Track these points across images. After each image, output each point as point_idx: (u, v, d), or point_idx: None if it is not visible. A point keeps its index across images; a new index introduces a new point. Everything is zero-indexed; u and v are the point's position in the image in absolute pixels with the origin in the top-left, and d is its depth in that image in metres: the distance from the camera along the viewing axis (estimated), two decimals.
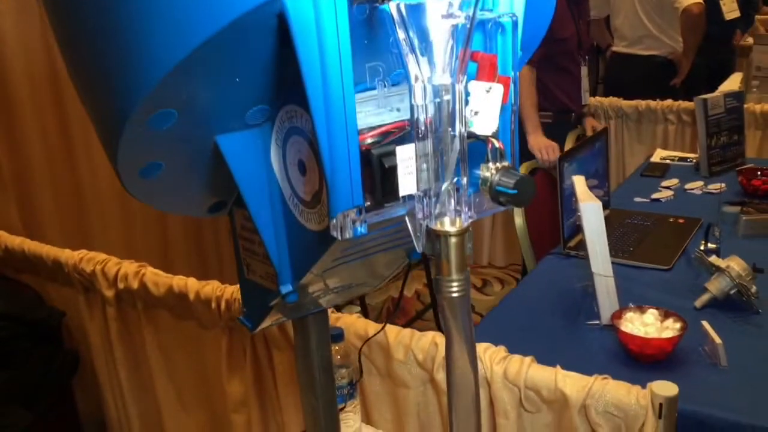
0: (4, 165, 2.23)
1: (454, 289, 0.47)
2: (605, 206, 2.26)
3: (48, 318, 1.86)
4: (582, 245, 2.09)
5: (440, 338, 1.31)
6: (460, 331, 0.51)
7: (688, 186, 2.59)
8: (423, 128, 0.46)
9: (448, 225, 0.46)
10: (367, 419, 1.42)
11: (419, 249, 0.48)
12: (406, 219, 0.47)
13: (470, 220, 0.47)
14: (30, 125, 2.32)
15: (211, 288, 1.59)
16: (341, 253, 0.52)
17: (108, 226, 2.60)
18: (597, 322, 1.65)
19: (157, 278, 1.67)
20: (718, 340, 1.45)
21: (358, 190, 0.44)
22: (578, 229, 2.14)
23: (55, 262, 1.84)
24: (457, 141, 0.46)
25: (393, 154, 0.45)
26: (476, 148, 0.48)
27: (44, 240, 1.95)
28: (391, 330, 1.36)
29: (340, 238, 0.45)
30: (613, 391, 1.13)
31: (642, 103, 3.38)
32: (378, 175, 0.45)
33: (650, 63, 3.73)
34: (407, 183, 0.46)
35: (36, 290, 1.94)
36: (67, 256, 1.82)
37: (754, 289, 1.66)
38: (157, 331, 1.73)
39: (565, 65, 2.75)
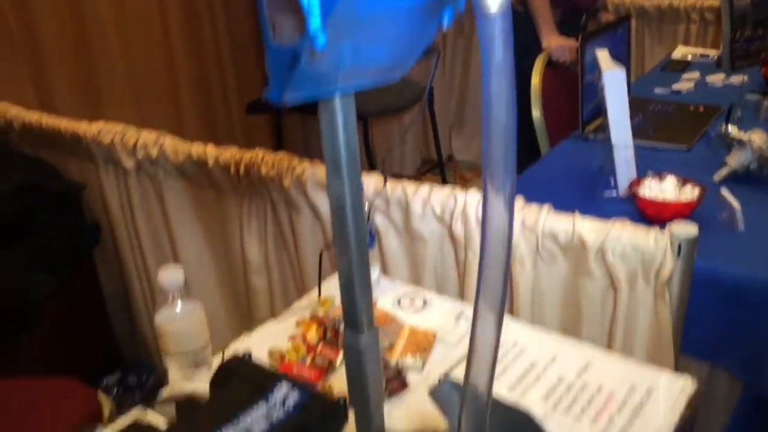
0: (18, 41, 2.21)
1: None
2: None
3: (68, 190, 1.88)
4: (601, 129, 2.07)
5: (458, 191, 1.32)
6: (499, 59, 0.50)
7: (709, 79, 2.55)
8: None
9: None
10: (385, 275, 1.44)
11: None
12: None
13: None
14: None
15: (230, 154, 1.60)
16: None
17: (120, 103, 2.60)
18: (614, 194, 1.66)
19: (176, 146, 1.67)
20: (736, 205, 1.46)
21: None
22: (598, 112, 2.12)
23: (73, 135, 1.85)
24: None
25: None
26: None
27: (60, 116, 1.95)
28: (410, 185, 1.36)
29: None
30: (631, 233, 1.14)
31: (664, 1, 3.29)
32: None
33: None
34: None
35: (55, 166, 1.95)
36: (85, 128, 1.83)
37: None
38: (178, 199, 1.75)
39: None
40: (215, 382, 0.77)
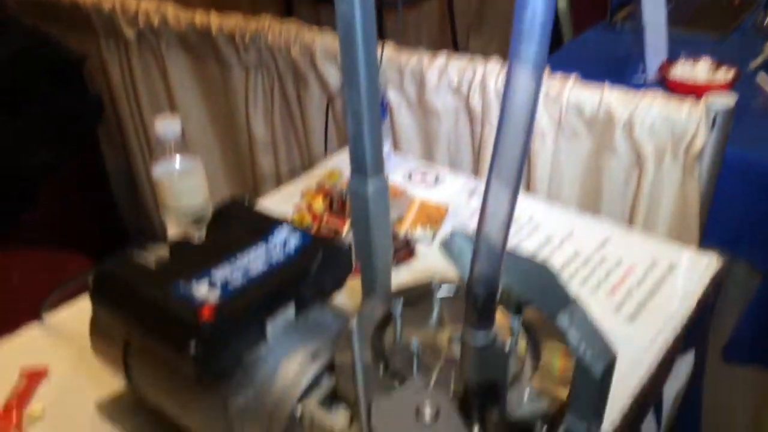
0: None
1: None
2: None
3: (69, 58, 1.79)
4: (630, 17, 1.96)
5: (477, 62, 1.23)
6: None
7: None
8: None
9: None
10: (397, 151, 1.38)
11: None
12: None
13: None
14: None
15: (234, 22, 1.51)
16: None
17: None
18: (642, 79, 1.56)
19: (178, 14, 1.58)
20: None
21: None
22: (627, 1, 2.00)
23: (72, 3, 1.76)
24: None
25: None
26: None
27: None
28: (425, 55, 1.28)
29: None
30: (663, 104, 1.06)
31: None
32: None
33: None
34: None
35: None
36: None
37: None
38: (181, 73, 1.66)
39: None
40: (212, 225, 0.72)
